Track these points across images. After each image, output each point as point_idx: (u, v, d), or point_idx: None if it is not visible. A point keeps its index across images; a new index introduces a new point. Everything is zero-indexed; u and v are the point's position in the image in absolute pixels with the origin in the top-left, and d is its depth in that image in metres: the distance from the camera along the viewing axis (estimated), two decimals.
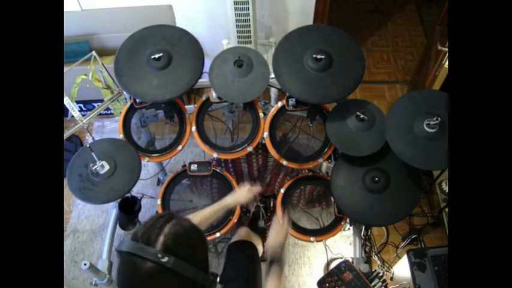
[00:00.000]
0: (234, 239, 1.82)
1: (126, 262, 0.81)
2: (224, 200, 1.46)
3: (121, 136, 1.74)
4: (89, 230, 2.36)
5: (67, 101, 1.62)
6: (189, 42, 1.70)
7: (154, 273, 0.78)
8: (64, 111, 1.63)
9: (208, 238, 1.78)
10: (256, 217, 2.13)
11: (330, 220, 1.80)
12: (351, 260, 1.73)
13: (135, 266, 0.79)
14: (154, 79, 1.63)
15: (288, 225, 1.39)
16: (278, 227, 1.36)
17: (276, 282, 1.26)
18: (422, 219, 2.34)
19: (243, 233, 1.85)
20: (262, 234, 2.14)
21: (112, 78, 1.82)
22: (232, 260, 1.68)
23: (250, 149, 1.75)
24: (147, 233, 0.82)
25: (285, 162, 1.71)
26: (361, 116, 1.60)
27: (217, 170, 1.87)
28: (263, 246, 1.97)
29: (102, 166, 1.58)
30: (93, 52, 1.73)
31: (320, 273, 2.16)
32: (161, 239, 0.81)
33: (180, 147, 1.77)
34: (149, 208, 2.34)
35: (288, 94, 1.72)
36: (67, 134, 1.74)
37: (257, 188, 1.51)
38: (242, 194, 1.49)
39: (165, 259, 0.78)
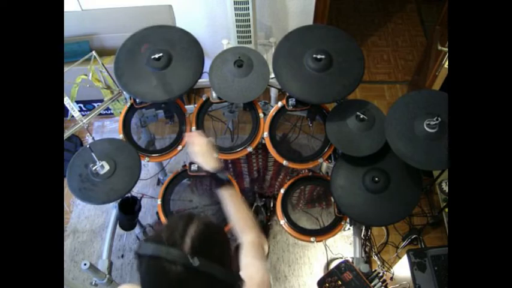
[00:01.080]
0: None
1: (153, 266, 0.79)
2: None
3: (121, 136, 1.74)
4: (89, 230, 2.36)
5: (67, 101, 1.62)
6: (189, 42, 1.70)
7: (184, 276, 0.76)
8: (64, 111, 1.63)
9: None
10: (258, 218, 2.13)
11: (330, 220, 1.80)
12: (351, 260, 1.73)
13: (164, 270, 0.77)
14: (154, 79, 1.63)
15: (196, 136, 1.29)
16: (193, 149, 1.27)
17: (237, 205, 1.23)
18: (422, 219, 2.34)
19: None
20: (266, 232, 2.14)
21: (112, 78, 1.82)
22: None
23: (250, 149, 1.75)
24: (172, 236, 0.80)
25: (285, 162, 1.71)
26: (361, 116, 1.60)
27: None
28: (268, 246, 1.98)
29: (102, 166, 1.58)
30: (93, 52, 1.73)
31: (320, 273, 2.16)
32: (188, 241, 0.79)
33: (180, 147, 1.77)
34: (149, 208, 2.34)
35: (288, 94, 1.72)
36: (67, 134, 1.74)
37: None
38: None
39: (196, 262, 0.76)
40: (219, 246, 0.84)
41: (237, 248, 1.78)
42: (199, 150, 1.28)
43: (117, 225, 1.87)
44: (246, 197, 2.19)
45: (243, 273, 1.01)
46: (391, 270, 2.17)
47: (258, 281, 1.00)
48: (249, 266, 1.05)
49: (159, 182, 2.40)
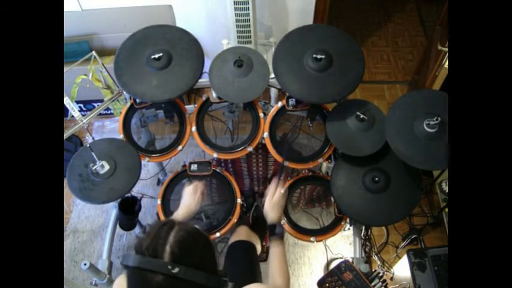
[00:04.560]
0: (234, 238, 1.81)
1: (135, 277, 0.80)
2: (177, 214, 1.36)
3: (121, 136, 1.74)
4: (89, 230, 2.36)
5: (67, 101, 1.62)
6: (189, 42, 1.70)
7: (166, 285, 0.77)
8: (64, 111, 1.63)
9: None
10: (255, 217, 2.13)
11: (330, 220, 1.80)
12: (351, 260, 1.73)
13: (145, 281, 0.78)
14: (154, 79, 1.63)
15: (281, 191, 1.39)
16: (271, 199, 1.37)
17: (280, 257, 1.28)
18: (422, 219, 2.34)
19: (242, 232, 1.85)
20: (262, 232, 2.14)
21: (112, 78, 1.82)
22: (232, 261, 1.68)
23: (250, 149, 1.75)
24: (152, 245, 0.81)
25: (285, 163, 1.71)
26: (361, 116, 1.60)
27: (217, 170, 1.87)
28: (262, 246, 1.97)
29: (102, 166, 1.58)
30: (93, 52, 1.73)
31: (320, 273, 2.16)
32: (168, 249, 0.79)
33: (180, 147, 1.77)
34: (149, 208, 2.34)
35: (288, 94, 1.72)
36: (67, 134, 1.74)
37: (198, 184, 1.45)
38: (189, 200, 1.39)
39: (176, 270, 0.77)
40: (199, 251, 0.84)
41: (234, 247, 1.77)
42: (272, 202, 1.37)
43: (117, 225, 1.87)
44: (246, 196, 2.19)
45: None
46: (391, 270, 2.17)
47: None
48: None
49: (159, 182, 2.40)
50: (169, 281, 0.77)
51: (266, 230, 2.19)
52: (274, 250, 1.32)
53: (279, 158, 1.72)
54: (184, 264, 0.78)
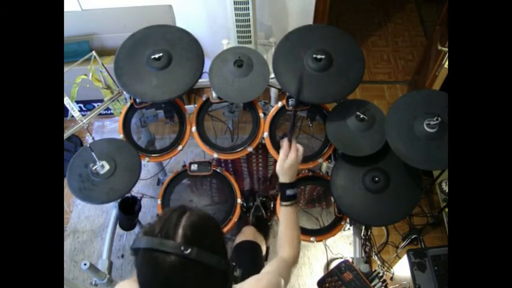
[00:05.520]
0: (240, 238, 1.81)
1: (147, 259, 0.80)
2: None
3: (121, 136, 1.74)
4: (89, 230, 2.36)
5: (67, 101, 1.62)
6: (189, 42, 1.70)
7: (178, 266, 0.77)
8: (64, 111, 1.63)
9: None
10: (258, 217, 2.13)
11: (330, 220, 1.80)
12: (351, 260, 1.73)
13: (157, 261, 0.78)
14: (154, 79, 1.63)
15: (295, 150, 1.30)
16: (282, 163, 1.29)
17: (290, 224, 1.26)
18: (422, 219, 2.34)
19: (249, 232, 1.85)
20: (266, 232, 2.14)
21: (112, 78, 1.82)
22: (237, 260, 1.69)
23: (250, 149, 1.75)
24: (164, 228, 0.81)
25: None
26: (361, 116, 1.60)
27: (218, 170, 1.87)
28: (267, 246, 1.97)
29: (102, 166, 1.58)
30: (93, 52, 1.73)
31: (320, 273, 2.16)
32: (180, 231, 0.80)
33: (180, 147, 1.77)
34: (149, 208, 2.34)
35: (288, 94, 1.72)
36: (67, 134, 1.74)
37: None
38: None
39: (188, 250, 0.77)
40: (211, 235, 0.85)
41: (240, 246, 1.77)
42: (285, 166, 1.30)
43: (117, 225, 1.87)
44: (246, 196, 2.19)
45: (257, 276, 1.06)
46: (391, 270, 2.17)
47: (263, 287, 1.03)
48: (266, 274, 1.09)
49: (159, 182, 2.40)
50: (182, 262, 0.77)
51: (268, 230, 2.21)
52: (284, 217, 1.28)
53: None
54: (196, 246, 0.79)
